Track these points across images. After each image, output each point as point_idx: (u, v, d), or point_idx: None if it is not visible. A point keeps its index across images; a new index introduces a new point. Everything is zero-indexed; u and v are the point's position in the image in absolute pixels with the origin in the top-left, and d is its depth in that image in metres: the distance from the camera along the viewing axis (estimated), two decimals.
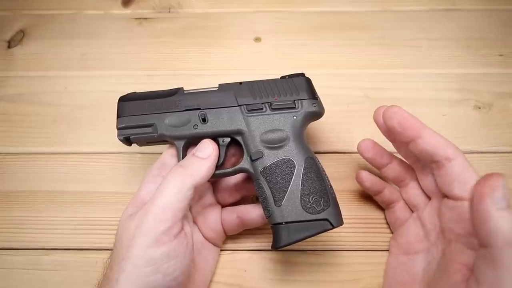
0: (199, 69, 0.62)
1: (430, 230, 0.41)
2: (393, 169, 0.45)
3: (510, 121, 0.56)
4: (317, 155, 0.43)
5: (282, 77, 0.45)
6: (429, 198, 0.42)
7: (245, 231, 0.47)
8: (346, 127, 0.56)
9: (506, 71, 0.60)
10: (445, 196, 0.38)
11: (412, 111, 0.56)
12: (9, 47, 0.65)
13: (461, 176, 0.36)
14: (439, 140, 0.37)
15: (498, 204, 0.31)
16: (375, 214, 0.49)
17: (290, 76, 0.45)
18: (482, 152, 0.54)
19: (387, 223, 0.48)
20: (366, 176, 0.46)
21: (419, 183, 0.43)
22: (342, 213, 0.41)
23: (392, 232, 0.47)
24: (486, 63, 0.61)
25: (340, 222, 0.41)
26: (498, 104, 0.57)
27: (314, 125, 0.51)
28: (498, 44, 0.63)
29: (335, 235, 0.48)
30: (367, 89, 0.59)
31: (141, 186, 0.42)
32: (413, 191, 0.44)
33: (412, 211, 0.44)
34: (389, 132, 0.41)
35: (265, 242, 0.48)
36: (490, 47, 0.62)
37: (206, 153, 0.40)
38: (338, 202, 0.42)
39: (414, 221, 0.43)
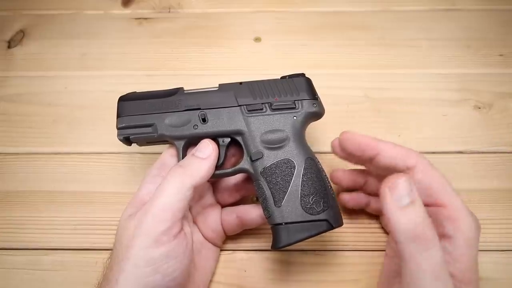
0: (199, 69, 0.62)
1: None
2: (371, 186, 0.45)
3: (510, 121, 0.56)
4: (317, 155, 0.43)
5: (283, 77, 0.45)
6: None
7: (245, 231, 0.47)
8: (346, 127, 0.55)
9: (506, 71, 0.60)
10: None
11: (412, 111, 0.57)
12: (9, 47, 0.65)
13: (423, 183, 0.36)
14: (397, 151, 0.38)
15: (399, 201, 0.31)
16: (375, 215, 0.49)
17: (291, 76, 0.45)
18: (482, 152, 0.54)
19: None
20: (348, 197, 0.46)
21: None
22: (342, 214, 0.41)
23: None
24: (486, 63, 0.61)
25: (340, 223, 0.41)
26: (498, 104, 0.57)
27: (314, 125, 0.51)
28: (498, 44, 0.63)
29: (335, 235, 0.48)
30: (367, 89, 0.59)
31: (140, 186, 0.42)
32: None
33: None
34: (351, 157, 0.42)
35: (265, 242, 0.48)
36: (490, 47, 0.62)
37: (206, 153, 0.40)
38: (338, 202, 0.42)
39: None
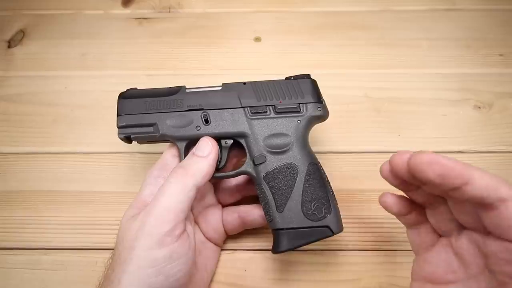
0: (199, 69, 0.62)
1: (469, 262, 0.34)
2: (421, 194, 0.36)
3: (510, 121, 0.56)
4: (317, 155, 0.43)
5: (287, 78, 0.44)
6: (462, 225, 0.35)
7: (245, 231, 0.47)
8: (346, 127, 0.56)
9: (506, 71, 0.60)
10: (498, 237, 0.31)
11: (412, 111, 0.57)
12: (9, 47, 0.65)
13: None
14: (490, 181, 0.30)
15: None
16: (376, 214, 0.49)
17: (296, 77, 0.44)
18: (482, 152, 0.54)
19: (388, 223, 0.48)
20: (393, 201, 0.37)
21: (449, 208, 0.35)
22: (343, 213, 0.42)
23: (412, 250, 0.40)
24: (486, 63, 0.61)
25: (340, 229, 0.41)
26: (498, 104, 0.57)
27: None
28: (498, 44, 0.63)
29: (336, 235, 0.48)
30: (367, 89, 0.59)
31: (142, 187, 0.42)
32: (443, 216, 0.36)
33: (440, 235, 0.37)
34: (407, 185, 0.35)
35: (266, 241, 0.48)
36: (490, 47, 0.62)
37: (206, 151, 0.40)
38: (339, 202, 0.42)
39: (444, 248, 0.36)
